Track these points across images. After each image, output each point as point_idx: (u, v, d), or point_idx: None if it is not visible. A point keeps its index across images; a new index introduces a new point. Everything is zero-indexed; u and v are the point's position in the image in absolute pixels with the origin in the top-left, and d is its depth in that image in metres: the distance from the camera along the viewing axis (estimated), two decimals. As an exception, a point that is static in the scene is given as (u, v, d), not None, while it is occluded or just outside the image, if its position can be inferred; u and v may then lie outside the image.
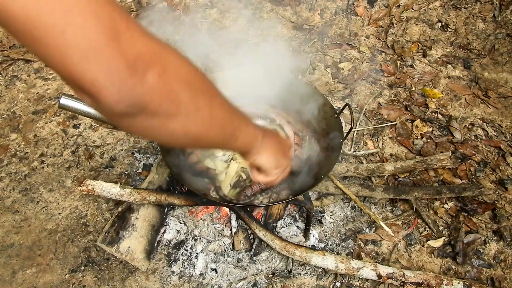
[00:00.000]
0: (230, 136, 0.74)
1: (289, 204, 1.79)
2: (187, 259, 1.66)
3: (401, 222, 1.80)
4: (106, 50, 0.43)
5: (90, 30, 0.41)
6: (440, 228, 1.78)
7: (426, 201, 1.85)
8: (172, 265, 1.64)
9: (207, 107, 0.61)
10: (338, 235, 1.75)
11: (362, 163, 1.99)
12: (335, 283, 1.60)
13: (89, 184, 1.61)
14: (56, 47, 0.41)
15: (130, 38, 0.45)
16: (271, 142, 0.90)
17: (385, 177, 1.92)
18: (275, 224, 1.73)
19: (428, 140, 2.10)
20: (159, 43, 0.51)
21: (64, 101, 1.21)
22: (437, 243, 1.72)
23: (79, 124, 2.20)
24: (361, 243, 1.73)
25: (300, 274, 1.63)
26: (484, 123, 2.18)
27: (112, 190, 1.61)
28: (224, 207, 1.75)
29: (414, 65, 2.51)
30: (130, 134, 2.04)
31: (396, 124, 2.18)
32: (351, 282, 1.60)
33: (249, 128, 0.80)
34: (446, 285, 1.46)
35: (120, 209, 1.68)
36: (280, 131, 1.54)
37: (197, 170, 1.48)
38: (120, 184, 1.67)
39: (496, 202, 1.84)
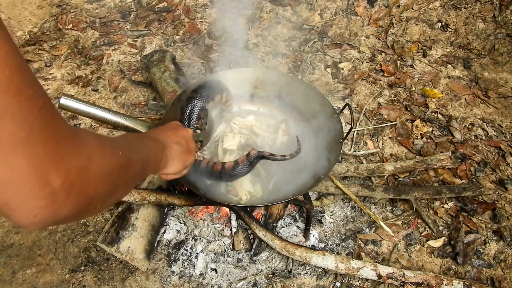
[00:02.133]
0: (141, 177, 0.77)
1: (289, 204, 1.79)
2: (187, 259, 1.66)
3: (401, 222, 1.80)
4: (29, 180, 0.41)
5: (16, 157, 0.39)
6: (440, 228, 1.78)
7: (426, 201, 1.85)
8: (172, 265, 1.64)
9: (124, 180, 0.63)
10: (338, 235, 1.75)
11: (362, 163, 1.99)
12: (335, 283, 1.60)
13: (89, 184, 1.61)
14: None
15: (58, 164, 0.44)
16: (173, 151, 0.92)
17: (385, 177, 1.92)
18: (275, 224, 1.73)
19: (428, 140, 2.10)
20: (84, 149, 0.49)
21: (64, 101, 1.21)
22: (437, 243, 1.72)
23: (79, 124, 2.20)
24: (361, 243, 1.73)
25: (300, 274, 1.63)
26: (484, 123, 2.18)
27: (112, 190, 1.61)
28: (224, 207, 1.75)
29: (414, 65, 2.51)
30: None
31: (396, 124, 2.18)
32: (351, 282, 1.60)
33: (154, 158, 0.83)
34: (446, 285, 1.46)
35: (120, 209, 1.68)
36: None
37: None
38: (120, 184, 1.67)
39: (496, 202, 1.84)
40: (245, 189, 1.50)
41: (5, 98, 0.37)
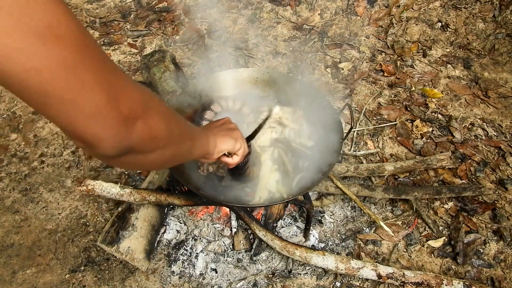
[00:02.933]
0: (191, 147, 0.87)
1: (289, 204, 1.79)
2: (187, 259, 1.66)
3: (401, 222, 1.80)
4: (107, 113, 0.52)
5: (95, 99, 0.50)
6: (440, 228, 1.78)
7: (426, 201, 1.85)
8: (172, 265, 1.64)
9: (177, 134, 0.75)
10: (338, 235, 1.75)
11: (362, 163, 1.99)
12: (335, 283, 1.60)
13: (89, 184, 1.61)
14: (66, 113, 0.49)
15: (125, 97, 0.55)
16: (215, 131, 1.03)
17: (385, 177, 1.92)
18: (275, 224, 1.73)
19: (428, 140, 2.10)
20: (145, 93, 0.62)
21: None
22: (437, 243, 1.72)
23: (79, 124, 2.20)
24: (361, 243, 1.73)
25: (300, 274, 1.63)
26: (484, 123, 2.18)
27: (112, 190, 1.61)
28: (224, 207, 1.75)
29: (414, 65, 2.51)
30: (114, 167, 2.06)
31: (396, 124, 2.18)
32: (351, 282, 1.60)
33: (202, 135, 0.94)
34: (446, 285, 1.46)
35: (120, 209, 1.68)
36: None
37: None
38: (120, 184, 1.67)
39: (496, 202, 1.84)
40: (267, 188, 1.47)
41: (77, 51, 0.47)
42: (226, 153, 1.08)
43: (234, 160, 1.12)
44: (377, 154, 2.06)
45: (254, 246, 1.66)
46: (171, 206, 1.78)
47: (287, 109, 1.67)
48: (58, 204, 1.87)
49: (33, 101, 0.48)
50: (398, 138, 2.12)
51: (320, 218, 1.79)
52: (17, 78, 0.44)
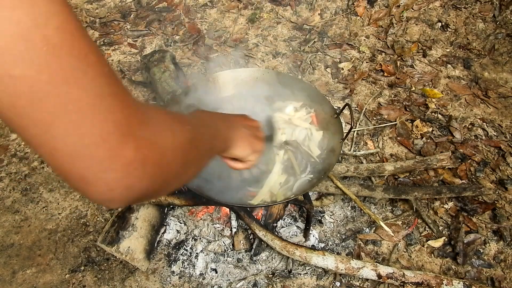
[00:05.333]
0: (210, 155, 0.73)
1: (289, 204, 1.79)
2: (187, 259, 1.66)
3: (401, 222, 1.80)
4: (103, 149, 0.39)
5: (85, 125, 0.37)
6: (440, 228, 1.78)
7: (426, 201, 1.85)
8: (172, 265, 1.64)
9: (196, 156, 0.60)
10: (338, 235, 1.75)
11: (362, 163, 1.99)
12: (335, 283, 1.60)
13: (89, 184, 1.61)
14: (42, 139, 0.37)
15: (129, 132, 0.41)
16: (241, 132, 0.90)
17: (385, 177, 1.92)
18: (275, 224, 1.73)
19: (428, 140, 2.10)
20: (153, 122, 0.47)
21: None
22: (437, 243, 1.72)
23: (79, 124, 2.20)
24: (361, 243, 1.73)
25: (300, 274, 1.63)
26: (484, 123, 2.18)
27: (112, 190, 1.60)
28: (224, 207, 1.75)
29: (414, 65, 2.51)
30: None
31: (396, 124, 2.18)
32: (351, 282, 1.60)
33: (220, 136, 0.81)
34: (446, 285, 1.46)
35: (120, 209, 1.68)
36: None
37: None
38: (120, 184, 1.66)
39: (496, 202, 1.84)
40: (271, 191, 1.44)
41: (69, 60, 0.35)
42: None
43: (237, 166, 1.00)
44: (377, 154, 2.06)
45: (254, 246, 1.66)
46: (171, 206, 1.78)
47: (298, 108, 1.65)
48: (58, 204, 1.87)
49: (7, 120, 0.36)
50: (398, 138, 2.12)
51: (320, 218, 1.79)
52: None
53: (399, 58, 2.55)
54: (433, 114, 2.23)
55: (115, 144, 0.40)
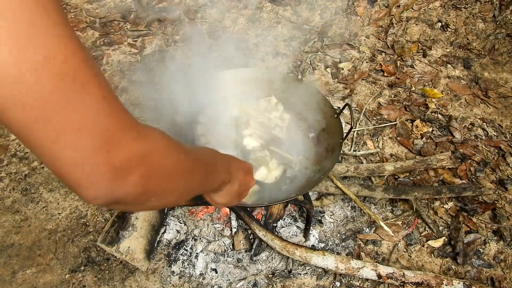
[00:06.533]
0: (197, 192, 0.78)
1: (289, 204, 1.79)
2: (187, 259, 1.66)
3: (401, 222, 1.80)
4: (95, 161, 0.46)
5: (83, 143, 0.45)
6: (440, 228, 1.78)
7: (426, 201, 1.85)
8: (172, 265, 1.64)
9: (182, 186, 0.65)
10: (338, 235, 1.75)
11: (362, 163, 1.99)
12: (335, 283, 1.60)
13: (89, 184, 1.60)
14: (48, 153, 0.45)
15: (119, 147, 0.48)
16: (233, 187, 0.93)
17: (385, 177, 1.92)
18: (275, 224, 1.73)
19: (428, 140, 2.10)
20: (147, 143, 0.53)
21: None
22: (437, 243, 1.72)
23: (79, 124, 2.20)
24: (361, 243, 1.73)
25: (300, 274, 1.63)
26: (484, 123, 2.18)
27: (112, 190, 1.60)
28: (224, 207, 1.75)
29: (414, 65, 2.51)
30: None
31: (396, 124, 2.18)
32: (351, 282, 1.60)
33: (216, 180, 0.84)
34: (446, 285, 1.46)
35: (120, 209, 1.68)
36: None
37: None
38: (120, 184, 1.66)
39: (496, 202, 1.84)
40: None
41: (71, 90, 0.43)
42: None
43: (214, 202, 0.99)
44: (377, 154, 2.06)
45: (254, 246, 1.66)
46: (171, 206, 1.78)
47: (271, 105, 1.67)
48: (58, 204, 1.87)
49: (17, 135, 0.44)
50: (398, 138, 2.12)
51: (320, 218, 1.79)
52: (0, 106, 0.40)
53: (399, 58, 2.55)
54: (433, 114, 2.23)
55: (106, 155, 0.47)
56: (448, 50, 2.61)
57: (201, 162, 0.74)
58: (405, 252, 1.71)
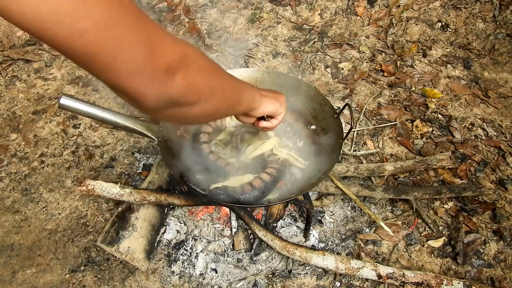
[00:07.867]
0: (236, 102, 0.91)
1: (289, 204, 1.79)
2: (187, 259, 1.66)
3: (401, 222, 1.80)
4: (146, 67, 0.56)
5: (135, 54, 0.54)
6: (440, 228, 1.78)
7: (426, 201, 1.85)
8: (172, 265, 1.64)
9: (220, 88, 0.78)
10: (338, 235, 1.75)
11: (362, 163, 1.99)
12: (335, 283, 1.60)
13: (89, 184, 1.61)
14: (109, 71, 0.54)
15: (162, 51, 0.58)
16: (267, 93, 1.09)
17: (385, 177, 1.92)
18: (275, 224, 1.73)
19: (428, 140, 2.10)
20: (183, 46, 0.64)
21: (64, 101, 1.21)
22: (437, 243, 1.72)
23: (79, 124, 2.20)
24: (361, 243, 1.73)
25: (300, 274, 1.63)
26: (484, 123, 2.18)
27: (112, 190, 1.61)
28: (224, 207, 1.75)
29: (414, 65, 2.51)
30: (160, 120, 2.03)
31: (396, 124, 2.18)
32: (351, 282, 1.60)
33: (249, 91, 0.98)
34: (446, 285, 1.46)
35: (120, 209, 1.68)
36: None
37: (213, 166, 1.45)
38: (120, 184, 1.67)
39: (496, 202, 1.84)
40: (242, 181, 1.45)
41: (113, 10, 0.50)
42: (265, 117, 1.14)
43: (272, 124, 1.17)
44: (377, 154, 2.06)
45: (254, 246, 1.66)
46: (171, 206, 1.78)
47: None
48: (58, 204, 1.87)
49: (80, 62, 0.52)
50: (398, 138, 2.12)
51: (320, 218, 1.79)
52: (64, 41, 0.48)
53: (399, 58, 2.55)
54: (433, 114, 2.23)
55: (155, 63, 0.56)
56: (448, 50, 2.61)
57: (228, 75, 0.84)
58: (405, 252, 1.71)
